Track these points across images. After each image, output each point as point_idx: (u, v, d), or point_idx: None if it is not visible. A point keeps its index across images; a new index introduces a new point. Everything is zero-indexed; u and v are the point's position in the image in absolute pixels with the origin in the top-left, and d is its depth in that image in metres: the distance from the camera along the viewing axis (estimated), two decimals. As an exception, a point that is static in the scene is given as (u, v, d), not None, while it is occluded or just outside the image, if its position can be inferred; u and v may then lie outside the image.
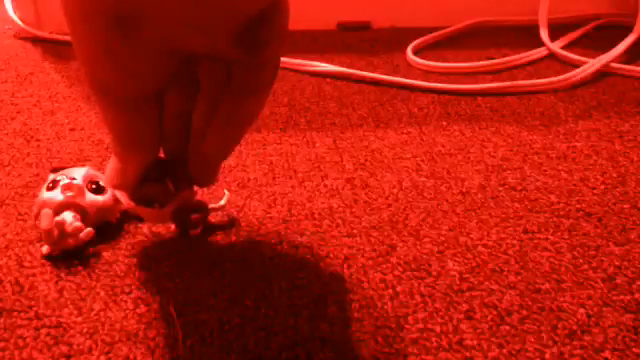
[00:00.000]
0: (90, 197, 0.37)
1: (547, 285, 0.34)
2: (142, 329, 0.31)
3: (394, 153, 0.48)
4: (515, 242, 0.37)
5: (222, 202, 0.39)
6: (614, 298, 0.33)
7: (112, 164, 0.32)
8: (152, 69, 0.26)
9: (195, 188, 0.36)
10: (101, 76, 0.26)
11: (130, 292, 0.33)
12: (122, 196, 0.34)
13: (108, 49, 0.24)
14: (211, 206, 0.39)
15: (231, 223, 0.39)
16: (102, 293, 0.33)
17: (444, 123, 0.53)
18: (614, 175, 0.45)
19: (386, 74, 0.62)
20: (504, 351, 0.30)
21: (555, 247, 0.37)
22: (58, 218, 0.35)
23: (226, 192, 0.40)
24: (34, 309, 0.32)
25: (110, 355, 0.29)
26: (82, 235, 0.35)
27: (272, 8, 0.26)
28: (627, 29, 0.69)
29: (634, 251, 0.36)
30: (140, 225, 0.38)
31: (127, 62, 0.25)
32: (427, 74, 0.64)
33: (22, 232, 0.38)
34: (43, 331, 0.31)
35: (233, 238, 0.38)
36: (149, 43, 0.24)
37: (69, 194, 0.36)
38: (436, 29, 0.74)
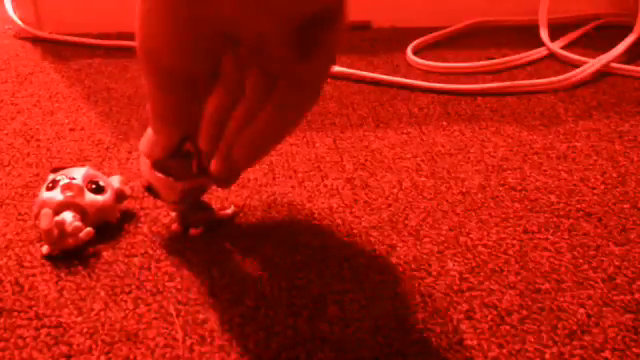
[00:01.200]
0: (90, 197, 0.37)
1: (547, 285, 0.34)
2: (142, 329, 0.31)
3: (394, 153, 0.48)
4: (515, 242, 0.37)
5: (229, 211, 0.39)
6: (614, 298, 0.33)
7: (148, 133, 0.33)
8: (205, 48, 0.27)
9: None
10: (155, 45, 0.27)
11: (130, 292, 0.33)
12: (145, 164, 0.35)
13: (175, 19, 0.26)
14: (219, 213, 0.39)
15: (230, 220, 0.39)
16: (102, 293, 0.33)
17: (444, 123, 0.53)
18: (614, 175, 0.45)
19: (386, 74, 0.62)
20: (504, 351, 0.30)
21: (555, 247, 0.37)
22: (58, 218, 0.35)
23: (232, 206, 0.40)
24: (34, 309, 0.32)
25: (110, 355, 0.29)
26: (82, 235, 0.35)
27: (329, 16, 0.27)
28: (627, 29, 0.69)
29: (634, 251, 0.36)
30: (140, 225, 0.38)
31: (187, 36, 0.26)
32: (427, 74, 0.64)
33: (22, 232, 0.38)
34: (43, 331, 0.31)
35: (233, 238, 0.38)
36: (210, 20, 0.25)
37: (69, 194, 0.36)
38: (436, 29, 0.74)
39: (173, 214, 0.38)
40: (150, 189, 0.35)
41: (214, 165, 0.33)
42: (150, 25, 0.27)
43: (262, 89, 0.31)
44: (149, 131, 0.33)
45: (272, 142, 0.33)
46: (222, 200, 0.41)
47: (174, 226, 0.38)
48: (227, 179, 0.35)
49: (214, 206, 0.39)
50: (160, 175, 0.34)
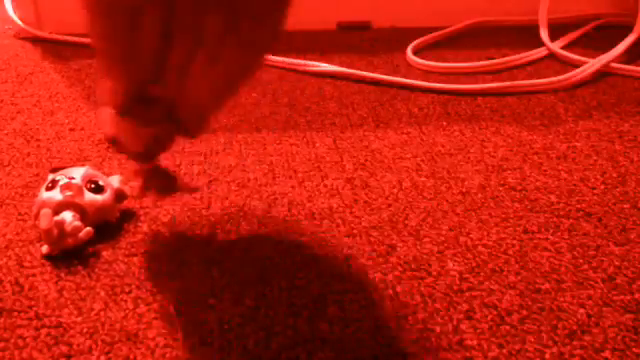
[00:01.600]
0: (89, 196, 0.37)
1: (547, 285, 0.34)
2: (142, 329, 0.31)
3: (394, 153, 0.48)
4: (515, 242, 0.37)
5: (193, 187, 0.38)
6: (614, 298, 0.33)
7: (103, 83, 0.32)
8: None
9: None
10: None
11: (130, 292, 0.33)
12: (107, 115, 0.33)
13: None
14: (183, 184, 0.37)
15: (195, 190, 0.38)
16: (102, 293, 0.33)
17: (444, 123, 0.53)
18: (614, 175, 0.45)
19: (386, 74, 0.62)
20: (504, 351, 0.30)
21: (555, 247, 0.37)
22: (57, 218, 0.35)
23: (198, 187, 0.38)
24: (34, 309, 0.32)
25: (110, 355, 0.29)
26: (81, 234, 0.35)
27: None
28: (627, 29, 0.69)
29: (634, 251, 0.36)
30: (140, 224, 0.38)
31: None
32: (427, 74, 0.64)
33: (22, 232, 0.38)
34: (43, 331, 0.31)
35: (233, 238, 0.38)
36: None
37: (68, 194, 0.36)
38: (436, 29, 0.74)
39: (135, 184, 0.37)
40: (113, 140, 0.34)
41: (182, 109, 0.32)
42: None
43: (221, 30, 0.30)
44: (102, 82, 0.32)
45: (234, 81, 0.32)
46: (222, 199, 0.41)
47: (134, 191, 0.36)
48: (195, 126, 0.33)
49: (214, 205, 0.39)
50: (125, 121, 0.32)
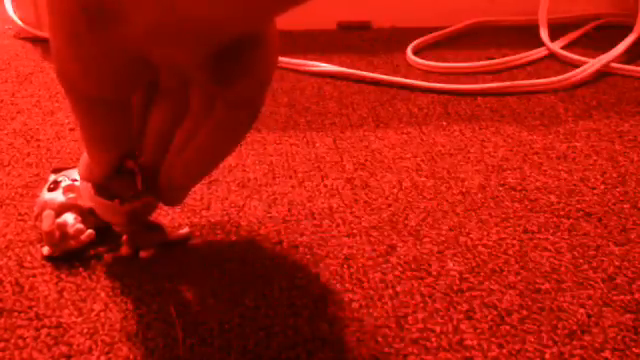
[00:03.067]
0: None
1: (547, 285, 0.34)
2: (142, 329, 0.31)
3: (394, 153, 0.48)
4: (515, 242, 0.37)
5: (182, 231, 0.37)
6: (614, 298, 0.33)
7: (84, 157, 0.32)
8: (116, 72, 0.25)
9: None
10: (68, 70, 0.25)
11: (130, 292, 0.33)
12: (86, 189, 0.33)
13: (79, 47, 0.24)
14: (172, 233, 0.37)
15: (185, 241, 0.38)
16: (102, 294, 0.33)
17: (444, 123, 0.53)
18: (614, 175, 0.45)
19: (386, 74, 0.62)
20: (504, 351, 0.30)
21: (555, 247, 0.37)
22: (60, 220, 0.35)
23: (186, 228, 0.38)
24: (34, 309, 0.32)
25: (110, 355, 0.29)
26: (83, 237, 0.35)
27: (250, 42, 0.26)
28: (627, 29, 0.69)
29: (634, 251, 0.36)
30: (140, 225, 0.38)
31: (92, 59, 0.24)
32: (427, 74, 0.64)
33: (22, 232, 0.38)
34: (43, 331, 0.31)
35: (233, 238, 0.38)
36: (116, 42, 0.23)
37: (71, 195, 0.36)
38: (436, 29, 0.74)
39: (124, 237, 0.37)
40: (93, 214, 0.34)
41: (160, 182, 0.32)
42: (59, 50, 0.24)
43: (204, 105, 0.30)
44: (85, 155, 0.32)
45: (210, 161, 0.31)
46: (222, 200, 0.41)
47: (124, 250, 0.36)
48: (172, 197, 0.33)
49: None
50: (100, 199, 0.32)
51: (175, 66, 0.26)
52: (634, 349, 0.30)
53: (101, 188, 0.32)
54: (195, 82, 0.30)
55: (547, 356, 0.29)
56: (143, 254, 0.36)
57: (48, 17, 0.24)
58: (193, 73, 0.27)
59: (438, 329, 0.31)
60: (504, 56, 0.66)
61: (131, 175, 0.31)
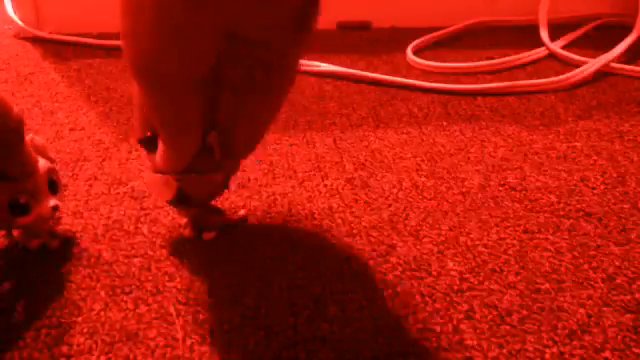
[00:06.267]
0: None
1: (547, 285, 0.34)
2: (142, 329, 0.31)
3: (394, 153, 0.48)
4: (515, 242, 0.37)
5: (241, 212, 0.39)
6: (614, 298, 0.33)
7: (162, 153, 0.33)
8: (207, 49, 0.26)
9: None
10: (157, 57, 0.26)
11: (130, 292, 0.33)
12: (161, 183, 0.34)
13: (172, 24, 0.25)
14: (231, 216, 0.39)
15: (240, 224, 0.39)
16: (102, 293, 0.33)
17: (444, 123, 0.53)
18: (614, 175, 0.45)
19: (386, 74, 0.62)
20: (504, 351, 0.30)
21: (555, 247, 0.37)
22: None
23: (243, 210, 0.40)
24: (34, 309, 0.32)
25: (110, 355, 0.29)
26: None
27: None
28: (627, 29, 0.69)
29: (634, 251, 0.36)
30: (140, 225, 0.38)
31: (188, 39, 0.26)
32: (427, 74, 0.64)
33: (22, 232, 0.38)
34: (43, 331, 0.31)
35: (233, 238, 0.38)
36: (212, 19, 0.25)
37: None
38: (436, 29, 0.74)
39: (184, 220, 0.38)
40: (179, 202, 0.35)
41: (233, 148, 0.33)
42: (145, 33, 0.26)
43: (242, 80, 0.30)
44: (161, 150, 0.33)
45: (262, 126, 0.33)
46: (222, 201, 0.41)
47: (187, 232, 0.38)
48: (232, 167, 0.35)
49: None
50: (197, 176, 0.33)
51: (263, 32, 0.27)
52: (634, 349, 0.30)
53: (191, 169, 0.33)
54: (246, 56, 0.30)
55: (547, 356, 0.29)
56: (206, 236, 0.37)
57: (125, 5, 0.25)
58: (277, 38, 0.27)
59: (438, 329, 0.31)
60: (504, 56, 0.66)
61: (210, 148, 0.32)
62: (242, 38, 0.27)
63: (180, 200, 0.35)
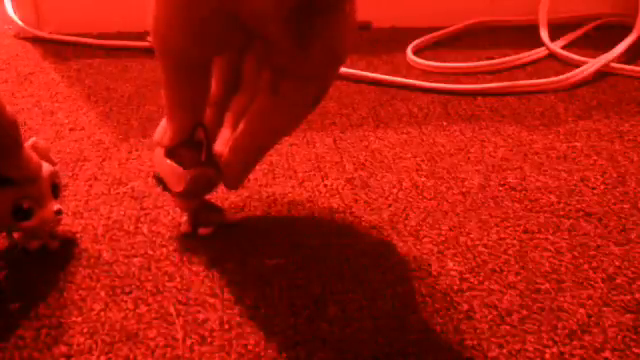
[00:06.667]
0: None
1: (547, 285, 0.34)
2: (142, 329, 0.31)
3: (394, 153, 0.48)
4: (515, 242, 0.37)
5: (238, 216, 0.39)
6: (614, 298, 0.33)
7: (162, 123, 0.34)
8: (211, 30, 0.28)
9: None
10: (168, 30, 0.28)
11: (130, 292, 0.33)
12: (158, 154, 0.35)
13: (190, 8, 0.27)
14: (230, 215, 0.39)
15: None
16: (102, 293, 0.33)
17: (444, 123, 0.53)
18: (614, 175, 0.45)
19: (386, 74, 0.62)
20: (504, 351, 0.30)
21: (555, 247, 0.37)
22: None
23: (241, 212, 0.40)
24: (34, 309, 0.32)
25: (110, 355, 0.29)
26: None
27: (326, 4, 0.28)
28: (627, 29, 0.69)
29: (634, 251, 0.36)
30: (140, 225, 0.38)
31: (193, 18, 0.27)
32: (427, 74, 0.64)
33: (22, 232, 0.38)
34: (43, 331, 0.31)
35: (233, 238, 0.38)
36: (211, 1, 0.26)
37: None
38: (436, 29, 0.74)
39: (184, 218, 0.38)
40: (158, 178, 0.36)
41: (225, 158, 0.34)
42: (159, 10, 0.28)
43: (270, 85, 0.32)
44: (164, 121, 0.34)
45: (274, 137, 0.34)
46: (222, 200, 0.41)
47: (183, 227, 0.38)
48: (235, 176, 0.35)
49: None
50: (169, 162, 0.34)
51: (259, 20, 0.27)
52: (634, 349, 0.30)
53: (170, 151, 0.34)
54: (271, 51, 0.31)
55: (547, 356, 0.29)
56: (202, 231, 0.37)
57: None
58: (273, 32, 0.28)
59: (438, 329, 0.31)
60: (504, 56, 0.66)
61: (198, 145, 0.33)
62: (243, 24, 0.27)
63: (157, 180, 0.36)
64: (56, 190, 0.35)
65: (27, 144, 0.34)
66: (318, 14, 0.28)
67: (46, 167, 0.34)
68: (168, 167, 0.34)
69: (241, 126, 0.34)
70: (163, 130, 0.34)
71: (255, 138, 0.34)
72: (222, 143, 0.35)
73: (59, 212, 0.34)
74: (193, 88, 0.32)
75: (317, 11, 0.27)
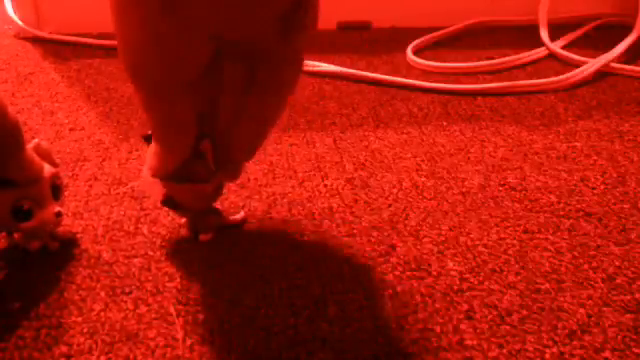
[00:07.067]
0: None
1: (547, 285, 0.34)
2: (142, 329, 0.31)
3: (394, 153, 0.48)
4: (515, 242, 0.37)
5: (238, 216, 0.39)
6: (614, 298, 0.33)
7: (153, 154, 0.33)
8: (192, 54, 0.27)
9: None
10: (145, 62, 0.27)
11: (130, 292, 0.33)
12: (155, 184, 0.34)
13: (155, 32, 0.25)
14: (229, 218, 0.39)
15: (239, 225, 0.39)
16: (102, 293, 0.33)
17: (444, 123, 0.53)
18: (614, 175, 0.45)
19: (386, 74, 0.62)
20: (504, 351, 0.30)
21: (555, 247, 0.37)
22: None
23: (242, 212, 0.39)
24: (34, 309, 0.32)
25: (110, 355, 0.29)
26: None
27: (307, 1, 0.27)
28: (627, 29, 0.69)
29: (634, 251, 0.36)
30: (140, 226, 0.38)
31: (172, 46, 0.26)
32: (427, 74, 0.64)
33: (22, 232, 0.38)
34: (43, 331, 0.31)
35: (233, 238, 0.38)
36: (194, 27, 0.25)
37: None
38: (436, 29, 0.74)
39: (183, 220, 0.38)
40: (170, 203, 0.35)
41: (219, 158, 0.33)
42: (132, 41, 0.27)
43: (243, 78, 0.30)
44: (151, 150, 0.33)
45: (265, 127, 0.33)
46: (222, 201, 0.41)
47: (183, 231, 0.38)
48: (231, 172, 0.35)
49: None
50: (185, 185, 0.33)
51: (246, 36, 0.27)
52: (634, 349, 0.30)
53: (181, 174, 0.33)
54: (237, 55, 0.30)
55: (547, 356, 0.29)
56: (203, 237, 0.37)
57: (120, 17, 0.26)
58: (260, 41, 0.27)
59: (438, 329, 0.31)
60: (504, 56, 0.66)
61: (204, 156, 0.32)
62: (231, 41, 0.27)
63: (169, 204, 0.35)
64: (57, 192, 0.35)
65: (29, 145, 0.34)
66: (300, 11, 0.27)
67: (48, 169, 0.34)
68: (185, 190, 0.34)
69: (224, 124, 0.32)
70: (159, 159, 0.32)
71: (248, 134, 0.32)
72: None
73: (59, 214, 0.34)
74: (188, 108, 0.29)
75: (299, 9, 0.27)
